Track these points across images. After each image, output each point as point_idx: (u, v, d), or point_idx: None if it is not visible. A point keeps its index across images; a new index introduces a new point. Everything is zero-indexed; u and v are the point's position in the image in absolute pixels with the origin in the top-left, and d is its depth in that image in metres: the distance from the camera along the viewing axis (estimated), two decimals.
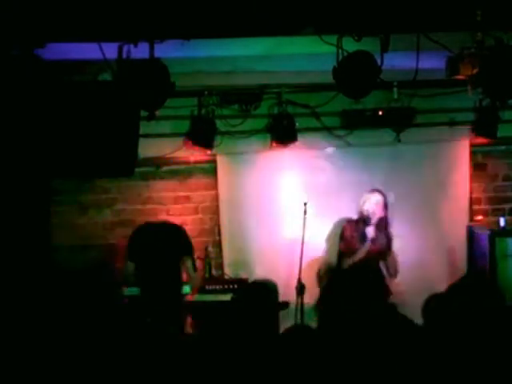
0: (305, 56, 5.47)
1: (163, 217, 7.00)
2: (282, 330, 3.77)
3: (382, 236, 6.42)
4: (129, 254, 6.43)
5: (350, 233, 6.44)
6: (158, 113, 4.59)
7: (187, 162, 7.14)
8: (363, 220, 6.37)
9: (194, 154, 7.05)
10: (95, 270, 6.61)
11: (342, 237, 6.48)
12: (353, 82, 4.49)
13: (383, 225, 6.42)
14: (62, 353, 3.61)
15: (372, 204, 6.37)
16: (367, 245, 6.32)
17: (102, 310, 3.85)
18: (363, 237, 6.35)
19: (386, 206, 6.43)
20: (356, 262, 6.31)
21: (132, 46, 4.22)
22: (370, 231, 6.33)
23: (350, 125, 7.00)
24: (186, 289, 6.94)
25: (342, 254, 6.45)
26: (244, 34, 4.37)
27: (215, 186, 7.15)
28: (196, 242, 6.95)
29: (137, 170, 5.69)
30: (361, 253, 6.32)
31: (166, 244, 6.36)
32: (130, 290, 6.22)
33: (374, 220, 6.34)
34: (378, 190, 6.47)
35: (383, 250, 6.43)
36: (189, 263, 6.36)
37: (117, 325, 4.02)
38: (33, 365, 3.60)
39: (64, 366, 3.54)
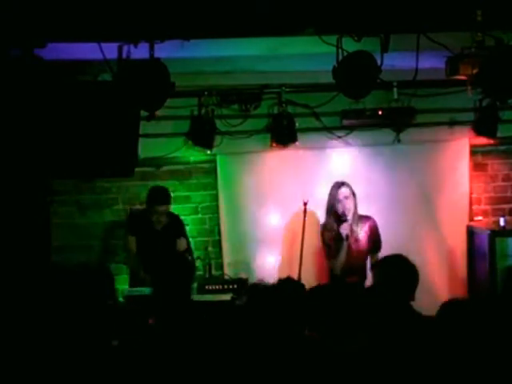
0: (305, 56, 5.47)
1: None
2: None
3: (360, 229, 6.36)
4: (129, 229, 6.55)
5: (327, 237, 6.40)
6: (158, 113, 4.60)
7: (187, 162, 7.14)
8: (338, 218, 6.31)
9: (194, 154, 7.05)
10: (94, 269, 6.61)
11: (323, 244, 6.46)
12: (353, 81, 4.50)
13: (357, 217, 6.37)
14: (60, 353, 3.61)
15: (343, 200, 6.30)
16: (345, 244, 6.25)
17: (99, 310, 3.84)
18: (339, 236, 6.28)
19: (354, 195, 6.36)
20: (343, 265, 6.26)
21: (132, 46, 4.23)
22: (345, 228, 6.26)
23: (350, 125, 6.99)
24: None
25: (329, 260, 6.44)
26: (244, 34, 4.38)
27: (215, 186, 7.14)
28: (196, 242, 6.97)
29: (137, 169, 5.70)
30: (342, 254, 6.26)
31: (166, 229, 6.50)
32: (129, 291, 6.21)
33: (349, 216, 6.28)
34: (343, 182, 6.40)
35: (365, 246, 6.36)
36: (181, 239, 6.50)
37: (114, 326, 4.01)
38: (30, 365, 3.59)
39: (61, 366, 3.53)
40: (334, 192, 6.37)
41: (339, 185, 6.38)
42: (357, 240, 6.35)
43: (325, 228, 6.44)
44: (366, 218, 6.47)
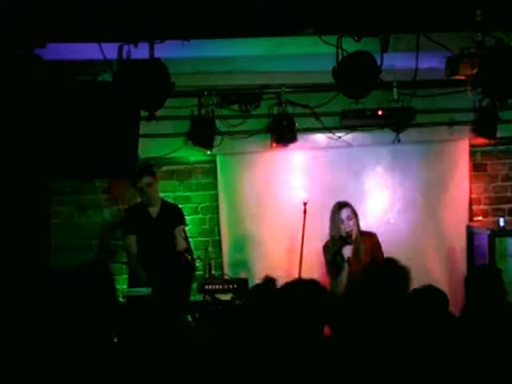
0: (305, 56, 5.47)
1: None
2: None
3: (362, 249, 6.08)
4: (128, 228, 6.52)
5: (329, 258, 6.12)
6: (158, 113, 4.60)
7: (187, 162, 7.14)
8: (341, 239, 6.06)
9: (194, 154, 7.06)
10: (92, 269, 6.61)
11: (326, 263, 6.21)
12: (353, 81, 4.50)
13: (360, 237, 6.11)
14: (60, 353, 3.61)
15: (346, 221, 6.06)
16: (346, 267, 5.99)
17: (99, 310, 3.84)
18: (342, 259, 6.02)
19: (356, 215, 6.12)
20: (345, 287, 5.86)
21: (132, 46, 4.23)
22: (347, 251, 6.02)
23: (350, 125, 6.99)
24: None
25: (331, 279, 6.14)
26: (244, 34, 4.38)
27: (215, 186, 7.14)
28: (196, 241, 6.97)
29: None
30: (343, 277, 5.98)
31: (163, 216, 6.48)
32: (129, 291, 6.21)
33: (353, 236, 6.05)
34: (345, 203, 6.15)
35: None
36: (181, 229, 6.41)
37: (114, 326, 4.01)
38: (30, 364, 3.60)
39: (61, 366, 3.53)
40: (336, 213, 6.13)
41: (341, 205, 6.14)
42: (359, 261, 6.05)
43: (327, 248, 6.20)
44: (368, 235, 6.20)
